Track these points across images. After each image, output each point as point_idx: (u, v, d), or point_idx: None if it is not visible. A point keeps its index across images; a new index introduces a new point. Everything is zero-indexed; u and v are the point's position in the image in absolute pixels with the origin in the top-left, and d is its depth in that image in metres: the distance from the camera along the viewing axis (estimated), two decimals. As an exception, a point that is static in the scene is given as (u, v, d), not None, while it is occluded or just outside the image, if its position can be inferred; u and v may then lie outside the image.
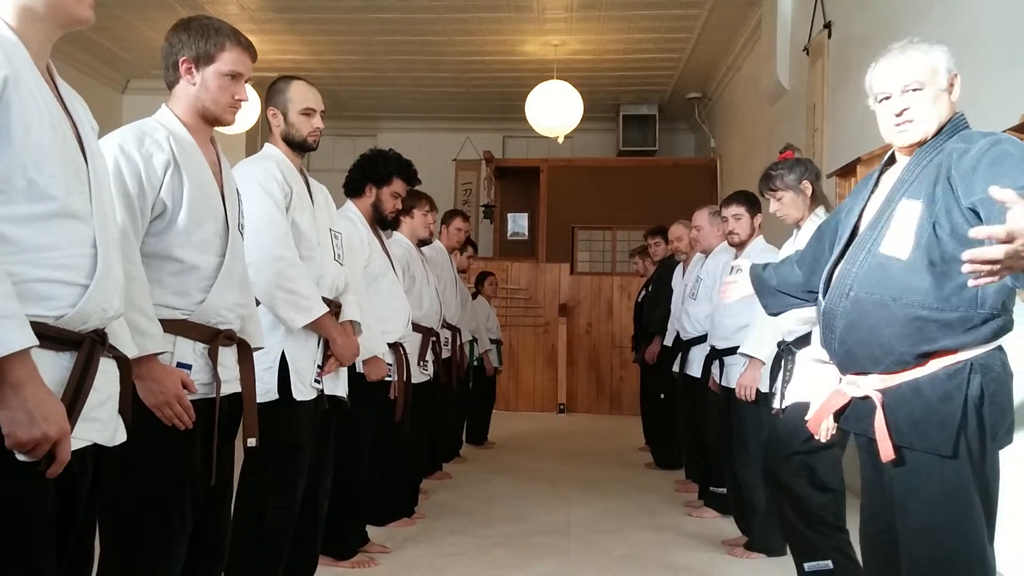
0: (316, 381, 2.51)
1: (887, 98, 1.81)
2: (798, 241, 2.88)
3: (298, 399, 2.44)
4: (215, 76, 1.93)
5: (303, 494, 2.51)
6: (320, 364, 2.52)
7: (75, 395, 1.33)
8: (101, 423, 1.41)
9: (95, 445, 1.41)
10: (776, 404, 2.78)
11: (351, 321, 2.66)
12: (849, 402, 1.85)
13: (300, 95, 2.56)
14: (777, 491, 2.72)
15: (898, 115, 1.79)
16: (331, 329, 2.52)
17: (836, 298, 1.83)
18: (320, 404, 2.54)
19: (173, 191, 1.84)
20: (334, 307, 2.57)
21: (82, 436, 1.36)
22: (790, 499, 2.64)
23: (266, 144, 2.62)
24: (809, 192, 2.90)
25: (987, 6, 3.10)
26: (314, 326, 2.46)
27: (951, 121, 1.79)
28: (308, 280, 2.44)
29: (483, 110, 9.44)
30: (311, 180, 2.68)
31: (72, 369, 1.34)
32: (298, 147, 2.58)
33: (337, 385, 2.64)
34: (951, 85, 1.79)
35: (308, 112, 2.56)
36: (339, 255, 2.67)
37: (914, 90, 1.78)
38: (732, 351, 3.55)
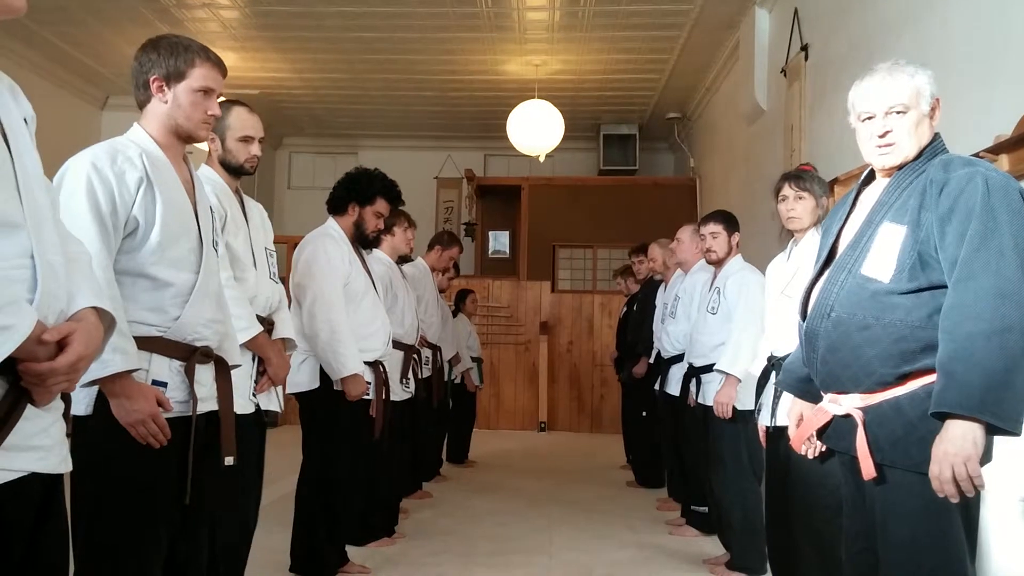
0: (252, 395, 2.52)
1: (870, 118, 1.82)
2: (792, 257, 2.89)
3: (236, 412, 2.44)
4: (187, 92, 1.94)
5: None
6: (255, 379, 2.53)
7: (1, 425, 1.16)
8: (43, 450, 1.26)
9: (40, 475, 1.26)
10: (766, 420, 2.77)
11: (283, 339, 2.67)
12: (831, 420, 1.86)
13: (239, 122, 2.55)
14: (810, 540, 2.64)
15: (881, 136, 1.80)
16: (267, 348, 2.53)
17: (817, 319, 1.84)
18: (259, 418, 2.56)
19: (146, 209, 1.84)
20: (267, 324, 2.58)
21: (17, 467, 1.21)
22: (821, 547, 2.57)
23: (202, 165, 2.60)
24: (824, 210, 2.93)
25: (959, 29, 3.16)
26: (250, 344, 2.46)
27: (931, 145, 1.81)
28: (242, 300, 2.45)
29: (465, 129, 9.47)
30: (247, 199, 2.68)
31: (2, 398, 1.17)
32: (235, 172, 2.59)
33: (271, 400, 2.65)
34: (933, 110, 1.81)
35: (246, 139, 2.55)
36: (274, 273, 2.69)
37: (898, 112, 1.79)
38: (709, 368, 3.57)
